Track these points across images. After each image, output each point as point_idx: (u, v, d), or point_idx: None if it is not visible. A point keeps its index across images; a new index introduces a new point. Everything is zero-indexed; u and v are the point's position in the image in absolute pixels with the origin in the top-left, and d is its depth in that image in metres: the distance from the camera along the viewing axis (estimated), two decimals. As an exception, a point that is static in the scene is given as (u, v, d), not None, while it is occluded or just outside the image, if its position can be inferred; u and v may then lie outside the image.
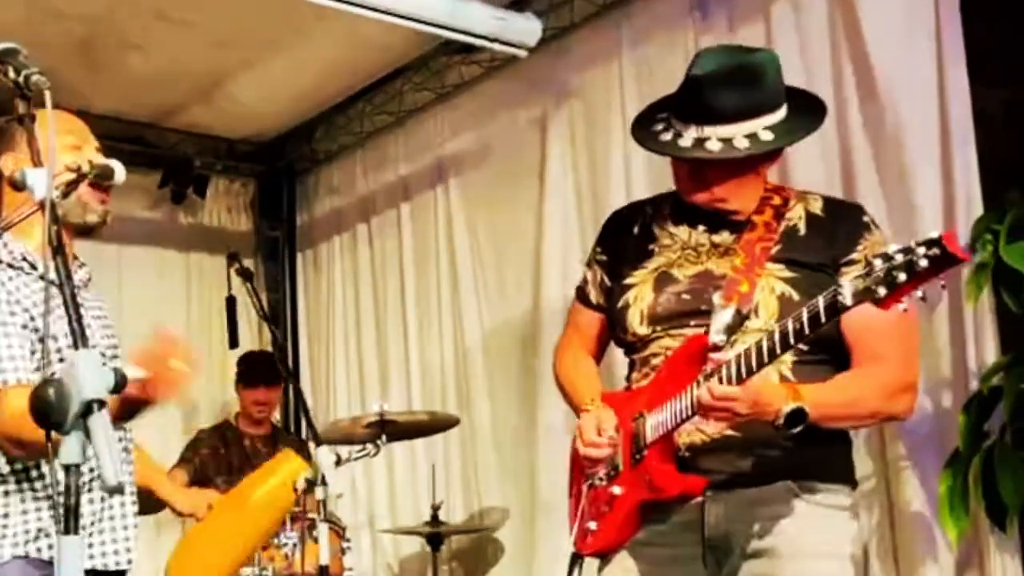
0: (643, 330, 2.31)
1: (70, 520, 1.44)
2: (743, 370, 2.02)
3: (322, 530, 3.38)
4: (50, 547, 2.22)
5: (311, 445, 3.48)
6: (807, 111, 2.32)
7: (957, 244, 1.77)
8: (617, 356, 2.62)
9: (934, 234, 1.79)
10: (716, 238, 2.32)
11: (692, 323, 2.24)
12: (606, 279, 2.46)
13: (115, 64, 4.86)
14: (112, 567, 2.37)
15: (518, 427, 4.70)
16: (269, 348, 5.78)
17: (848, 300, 1.86)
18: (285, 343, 6.04)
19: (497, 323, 4.92)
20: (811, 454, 2.20)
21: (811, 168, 3.72)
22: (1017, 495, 2.81)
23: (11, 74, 1.77)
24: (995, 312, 3.17)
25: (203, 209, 6.17)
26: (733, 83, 2.17)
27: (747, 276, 2.21)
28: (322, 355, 6.02)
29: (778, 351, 1.99)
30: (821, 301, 1.91)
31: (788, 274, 2.22)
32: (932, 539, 3.27)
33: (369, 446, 3.92)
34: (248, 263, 5.05)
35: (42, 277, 2.24)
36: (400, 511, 5.29)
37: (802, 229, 2.29)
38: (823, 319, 1.92)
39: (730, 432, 2.17)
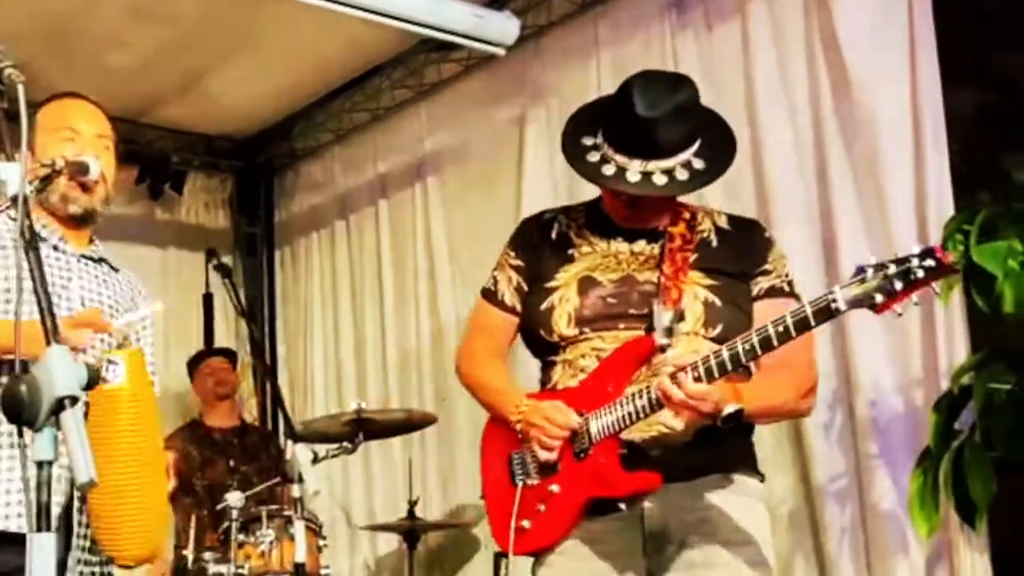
0: (570, 331, 2.37)
1: (42, 518, 1.44)
2: (715, 370, 2.10)
3: (298, 528, 3.36)
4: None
5: (288, 442, 3.47)
6: (715, 132, 2.39)
7: (947, 255, 1.95)
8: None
9: (916, 249, 1.97)
10: (635, 247, 2.41)
11: (621, 325, 2.32)
12: (523, 283, 2.50)
13: (92, 59, 4.84)
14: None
15: (495, 424, 4.70)
16: (247, 345, 5.77)
17: (842, 306, 2.00)
18: (262, 340, 6.03)
19: (475, 320, 4.92)
20: (734, 447, 2.35)
21: (785, 168, 3.75)
22: (986, 493, 2.84)
23: (-15, 67, 1.76)
24: (966, 312, 3.21)
25: (181, 205, 6.15)
26: (677, 120, 2.27)
27: (675, 283, 2.33)
28: (299, 352, 6.01)
29: (759, 352, 2.08)
30: (809, 307, 2.03)
31: (709, 281, 2.34)
32: (903, 536, 3.31)
33: (346, 444, 3.92)
34: (225, 260, 5.02)
35: (56, 247, 2.41)
36: (377, 508, 5.29)
37: (714, 241, 2.41)
38: (812, 323, 2.04)
39: (665, 430, 2.25)
